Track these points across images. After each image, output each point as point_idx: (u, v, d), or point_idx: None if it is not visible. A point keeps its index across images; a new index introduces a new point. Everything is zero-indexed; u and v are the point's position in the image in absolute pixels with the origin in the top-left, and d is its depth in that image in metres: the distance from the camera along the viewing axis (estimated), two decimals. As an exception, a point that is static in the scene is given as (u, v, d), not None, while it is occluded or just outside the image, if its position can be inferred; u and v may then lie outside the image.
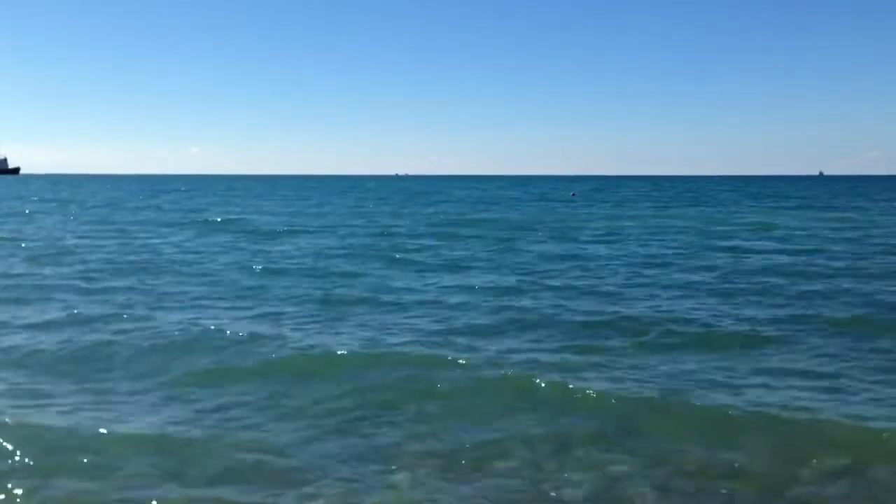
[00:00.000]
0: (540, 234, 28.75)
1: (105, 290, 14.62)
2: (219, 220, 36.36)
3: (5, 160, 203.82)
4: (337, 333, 10.98)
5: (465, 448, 6.77)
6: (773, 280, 16.02)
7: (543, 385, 8.40)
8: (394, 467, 6.36)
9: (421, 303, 13.50)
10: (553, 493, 5.91)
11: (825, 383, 8.62)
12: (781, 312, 12.48)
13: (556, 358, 9.67)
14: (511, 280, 16.30)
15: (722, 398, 8.05)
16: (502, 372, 8.94)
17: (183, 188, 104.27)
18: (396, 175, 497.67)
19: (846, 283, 15.43)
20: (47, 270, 17.56)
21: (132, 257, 20.30)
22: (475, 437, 7.01)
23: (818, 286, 15.15)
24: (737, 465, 6.43)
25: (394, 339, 10.62)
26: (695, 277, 16.61)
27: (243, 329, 10.93)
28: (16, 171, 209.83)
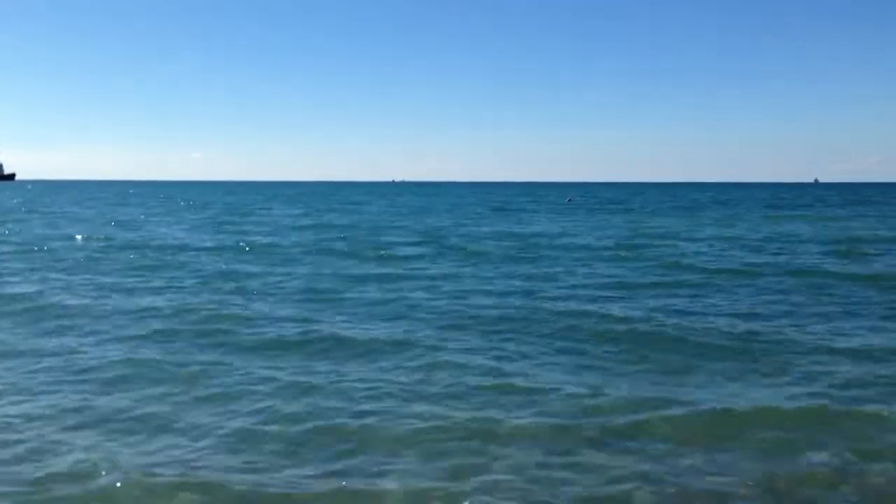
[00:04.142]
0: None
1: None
2: None
3: (0, 166, 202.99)
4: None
5: (462, 449, 6.74)
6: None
7: (537, 384, 8.41)
8: (387, 468, 6.31)
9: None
10: (552, 494, 5.90)
11: (828, 381, 8.64)
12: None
13: (545, 357, 9.69)
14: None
15: (722, 396, 8.07)
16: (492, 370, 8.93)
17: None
18: (393, 181, 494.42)
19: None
20: None
21: None
22: (473, 438, 6.98)
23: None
24: (736, 464, 6.43)
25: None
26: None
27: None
28: (11, 177, 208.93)
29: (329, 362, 9.54)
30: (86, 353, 9.93)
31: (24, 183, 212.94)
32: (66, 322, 11.93)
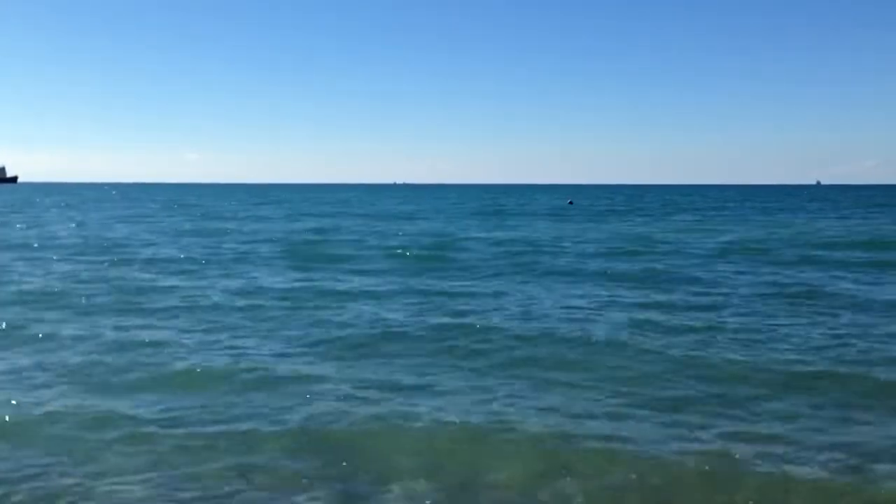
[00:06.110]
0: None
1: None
2: None
3: (3, 169, 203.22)
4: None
5: (457, 466, 6.65)
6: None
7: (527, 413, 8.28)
8: (384, 485, 6.23)
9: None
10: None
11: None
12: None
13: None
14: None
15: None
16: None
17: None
18: (394, 184, 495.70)
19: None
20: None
21: None
22: (469, 456, 6.89)
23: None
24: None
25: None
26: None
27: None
28: (14, 179, 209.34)
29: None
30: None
31: (24, 185, 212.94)
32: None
